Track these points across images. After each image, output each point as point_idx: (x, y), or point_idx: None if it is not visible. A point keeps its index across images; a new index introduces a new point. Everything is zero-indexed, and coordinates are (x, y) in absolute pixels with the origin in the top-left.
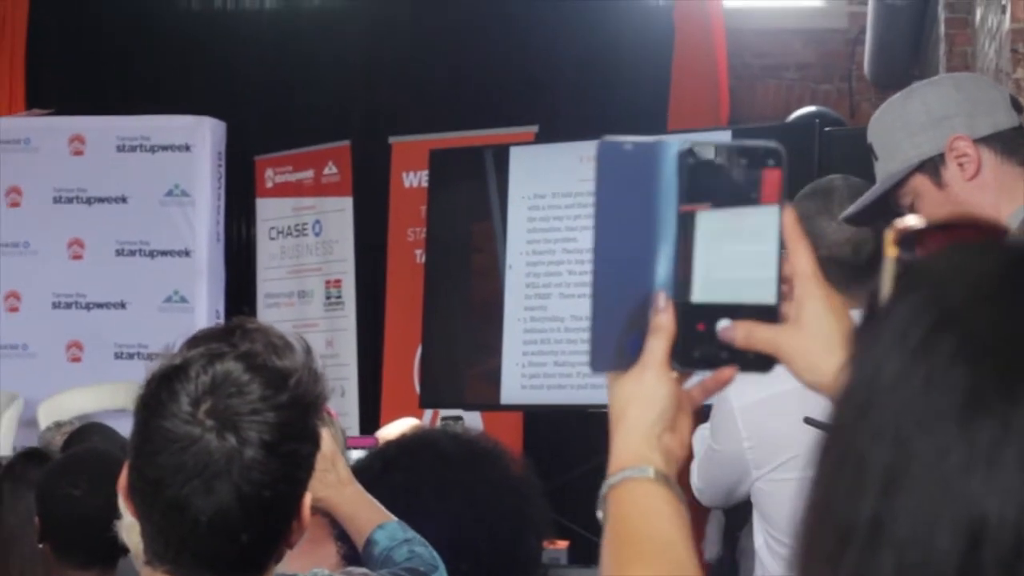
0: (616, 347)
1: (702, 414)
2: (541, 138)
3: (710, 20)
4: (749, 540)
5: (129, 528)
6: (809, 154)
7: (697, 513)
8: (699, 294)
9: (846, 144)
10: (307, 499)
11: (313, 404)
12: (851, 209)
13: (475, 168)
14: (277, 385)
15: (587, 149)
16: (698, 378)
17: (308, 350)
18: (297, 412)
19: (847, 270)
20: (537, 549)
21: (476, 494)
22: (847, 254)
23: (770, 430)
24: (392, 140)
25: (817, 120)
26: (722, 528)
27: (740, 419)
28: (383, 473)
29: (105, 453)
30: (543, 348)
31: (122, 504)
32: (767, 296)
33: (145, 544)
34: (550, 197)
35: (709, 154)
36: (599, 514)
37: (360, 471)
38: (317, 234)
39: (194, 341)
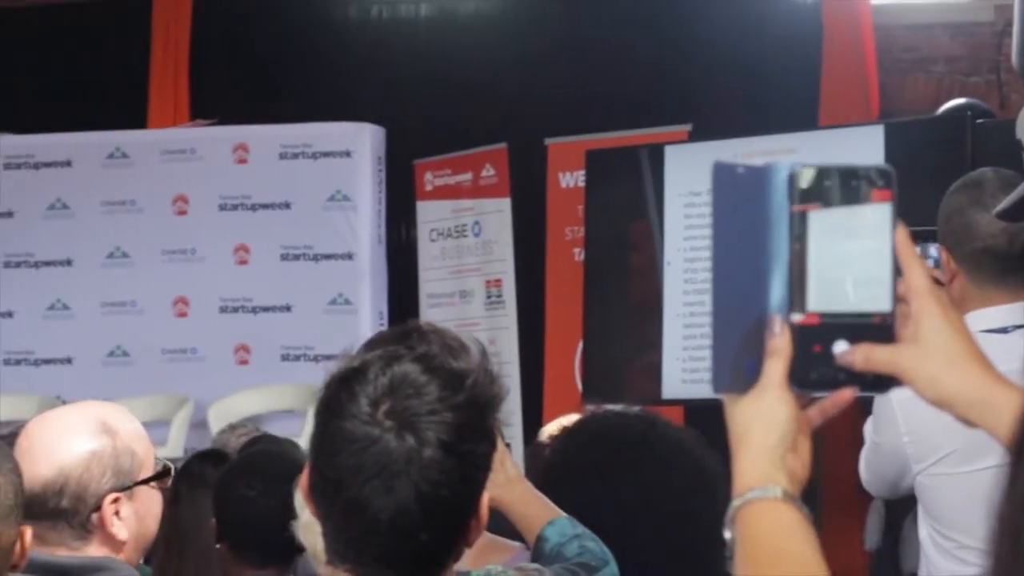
0: (734, 369)
1: (863, 406)
2: (694, 136)
3: (858, 15)
4: (912, 530)
5: (306, 527)
6: (961, 146)
7: (857, 504)
8: (815, 302)
9: (998, 136)
10: (485, 498)
11: (489, 405)
12: (1001, 206)
13: (631, 167)
14: (454, 386)
15: (740, 147)
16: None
17: (484, 352)
18: (474, 412)
19: (1002, 261)
20: (718, 550)
21: (657, 493)
22: (1002, 245)
23: (930, 425)
24: (548, 142)
25: (968, 112)
26: (883, 519)
27: (899, 412)
28: (564, 467)
29: (279, 454)
30: (702, 343)
31: (299, 504)
32: (882, 302)
33: (326, 544)
34: (705, 194)
35: (818, 177)
36: (727, 534)
37: (535, 460)
38: (476, 235)
39: (372, 344)
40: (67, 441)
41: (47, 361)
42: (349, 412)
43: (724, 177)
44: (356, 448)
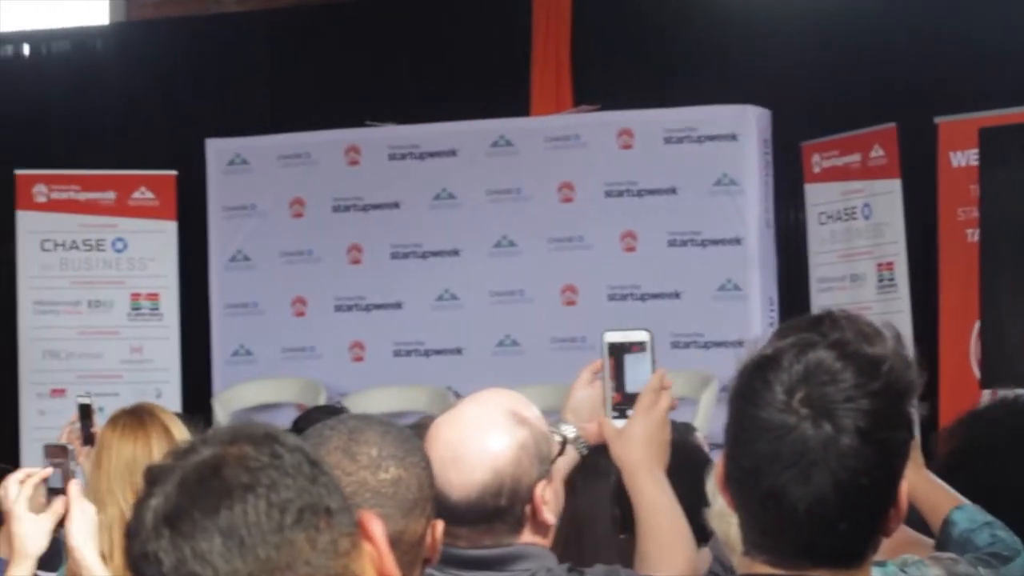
0: None
1: None
2: None
3: None
4: None
5: (719, 516)
6: None
7: None
8: None
9: None
10: (903, 487)
11: (906, 391)
12: None
13: None
14: (870, 372)
15: None
16: None
17: (898, 337)
18: (890, 399)
19: None
20: None
21: None
22: None
23: None
24: (938, 120)
25: None
26: None
27: None
28: (960, 456)
29: (684, 441)
30: None
31: (711, 491)
32: None
33: (743, 534)
34: None
35: None
36: None
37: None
38: (867, 217)
39: (784, 331)
40: (492, 441)
41: (437, 352)
42: (764, 400)
43: None
44: (772, 437)
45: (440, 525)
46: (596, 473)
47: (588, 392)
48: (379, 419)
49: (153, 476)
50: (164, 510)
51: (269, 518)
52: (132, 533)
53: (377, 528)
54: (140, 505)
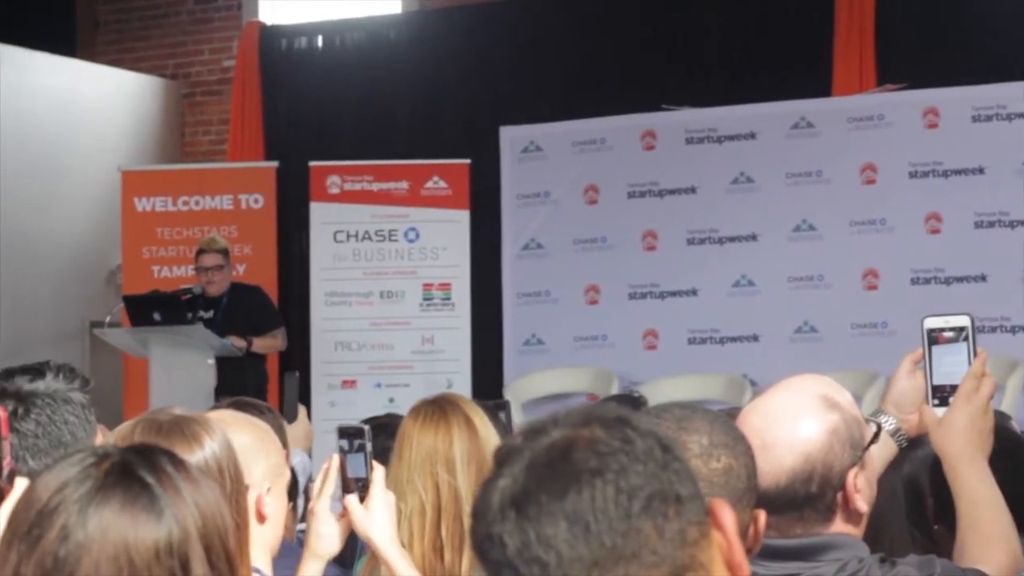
0: None
1: None
2: None
3: None
4: None
5: None
6: None
7: None
8: None
9: None
10: None
11: None
12: None
13: None
14: None
15: None
16: None
17: None
18: None
19: None
20: None
21: None
22: None
23: None
24: None
25: None
26: None
27: None
28: None
29: (1005, 427)
30: None
31: None
32: None
33: None
34: None
35: None
36: None
37: None
38: None
39: None
40: (802, 426)
41: (732, 339)
42: None
43: None
44: None
45: (763, 516)
46: (891, 464)
47: (910, 383)
48: (703, 408)
49: (502, 457)
50: (511, 492)
51: (617, 504)
52: (478, 514)
53: (728, 518)
54: (487, 486)
